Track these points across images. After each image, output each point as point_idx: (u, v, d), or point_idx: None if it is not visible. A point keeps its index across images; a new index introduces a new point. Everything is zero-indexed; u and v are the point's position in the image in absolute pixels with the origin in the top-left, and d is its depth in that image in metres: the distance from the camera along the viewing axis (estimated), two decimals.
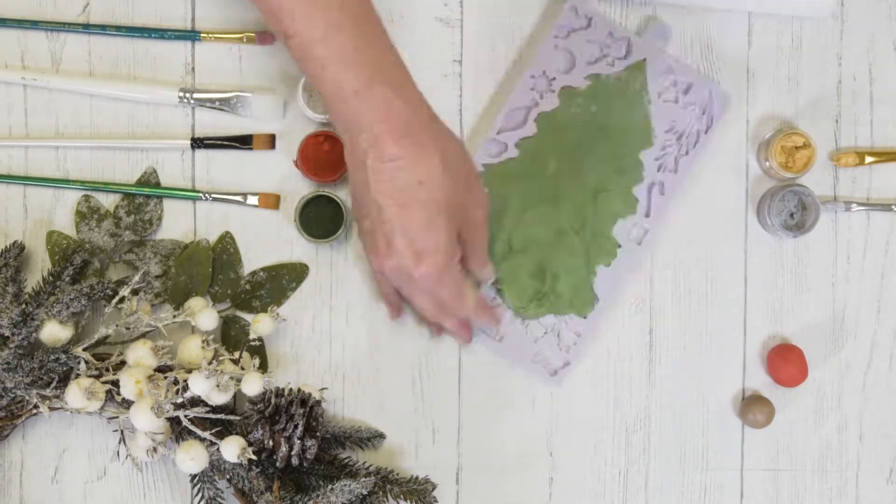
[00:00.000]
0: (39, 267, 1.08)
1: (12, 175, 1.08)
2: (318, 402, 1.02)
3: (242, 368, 1.02)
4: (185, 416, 0.99)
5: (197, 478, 1.03)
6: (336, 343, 1.08)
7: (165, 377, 1.00)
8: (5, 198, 1.08)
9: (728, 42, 1.10)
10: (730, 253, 1.10)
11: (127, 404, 1.01)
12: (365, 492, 1.01)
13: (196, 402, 0.99)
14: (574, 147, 1.07)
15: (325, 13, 0.91)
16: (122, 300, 1.03)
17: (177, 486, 1.08)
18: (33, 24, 1.07)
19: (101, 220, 1.07)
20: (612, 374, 1.10)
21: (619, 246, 1.07)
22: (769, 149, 1.07)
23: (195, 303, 1.04)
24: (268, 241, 1.08)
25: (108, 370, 1.02)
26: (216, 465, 1.02)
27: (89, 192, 1.07)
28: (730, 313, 1.10)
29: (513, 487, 1.09)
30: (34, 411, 1.03)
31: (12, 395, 1.02)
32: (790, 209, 1.08)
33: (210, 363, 0.99)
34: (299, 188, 1.08)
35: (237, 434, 1.02)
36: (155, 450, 1.00)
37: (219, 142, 1.07)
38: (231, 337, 1.07)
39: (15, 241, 1.06)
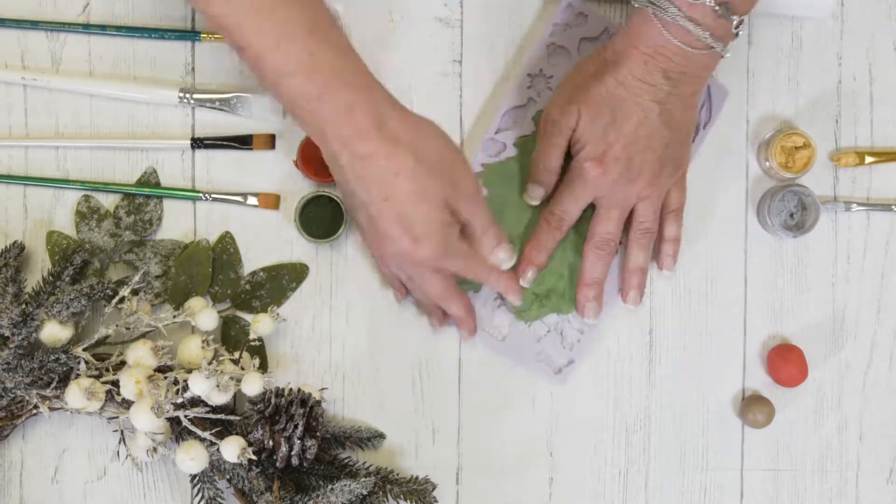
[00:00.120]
0: (39, 267, 1.08)
1: (12, 175, 1.08)
2: (318, 402, 1.02)
3: (242, 368, 1.02)
4: (185, 416, 0.99)
5: (197, 478, 1.03)
6: (336, 343, 1.09)
7: (165, 377, 1.00)
8: (5, 198, 1.08)
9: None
10: (730, 253, 1.10)
11: (127, 404, 1.01)
12: (365, 492, 1.01)
13: (196, 402, 0.99)
14: None
15: (273, 24, 0.90)
16: (122, 300, 1.03)
17: (177, 486, 1.08)
18: (33, 24, 1.07)
19: (101, 220, 1.07)
20: (612, 374, 1.10)
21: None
22: (769, 149, 1.07)
23: (195, 303, 1.04)
24: (268, 241, 1.08)
25: (108, 370, 1.02)
26: (216, 465, 1.02)
27: (89, 192, 1.07)
28: (730, 313, 1.10)
29: (513, 487, 1.09)
30: (34, 411, 1.03)
31: (12, 395, 1.02)
32: (790, 209, 1.08)
33: (210, 363, 0.99)
34: (299, 188, 1.08)
35: (237, 434, 1.02)
36: (155, 450, 1.00)
37: (219, 142, 1.08)
38: (231, 337, 1.07)
39: (15, 241, 1.06)
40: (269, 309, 1.05)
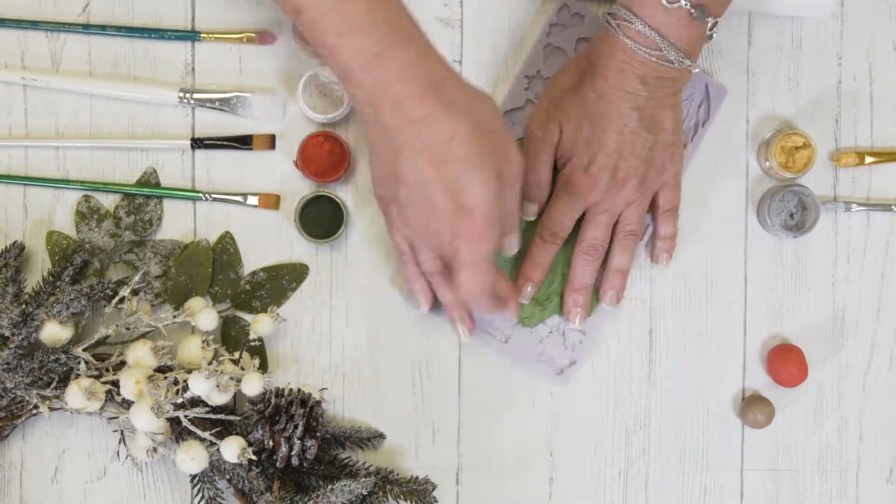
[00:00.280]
0: (39, 267, 1.08)
1: (12, 175, 1.08)
2: (318, 403, 1.02)
3: (242, 368, 1.02)
4: (185, 417, 0.99)
5: (197, 478, 1.03)
6: (336, 343, 1.09)
7: (165, 377, 1.00)
8: (5, 198, 1.08)
9: (728, 42, 1.10)
10: (730, 253, 1.10)
11: (127, 404, 1.01)
12: (365, 492, 1.01)
13: (196, 402, 0.99)
14: None
15: None
16: (122, 300, 1.03)
17: (177, 486, 1.08)
18: (33, 24, 1.07)
19: (101, 220, 1.07)
20: (612, 374, 1.10)
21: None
22: (769, 149, 1.07)
23: (195, 303, 1.04)
24: (268, 241, 1.08)
25: (108, 370, 1.03)
26: (216, 466, 1.02)
27: (89, 192, 1.07)
28: (730, 313, 1.10)
29: (513, 487, 1.09)
30: (34, 411, 1.03)
31: (12, 396, 1.02)
32: (790, 209, 1.08)
33: (210, 363, 0.99)
34: (299, 188, 1.08)
35: (237, 434, 1.02)
36: (155, 450, 1.00)
37: (219, 142, 1.08)
38: (231, 337, 1.07)
39: (15, 241, 1.06)
40: (269, 309, 1.05)
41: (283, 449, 1.00)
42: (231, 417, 1.02)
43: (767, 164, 1.08)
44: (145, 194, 1.07)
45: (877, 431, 1.11)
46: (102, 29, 1.07)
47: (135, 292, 1.04)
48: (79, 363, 1.01)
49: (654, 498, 1.10)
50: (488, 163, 0.91)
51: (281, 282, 1.08)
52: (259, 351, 1.07)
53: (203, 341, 1.02)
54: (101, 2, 1.08)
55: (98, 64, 1.08)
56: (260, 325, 1.04)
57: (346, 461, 1.05)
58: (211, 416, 1.00)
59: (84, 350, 1.02)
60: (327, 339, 1.08)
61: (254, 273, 1.08)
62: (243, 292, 1.07)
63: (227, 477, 1.03)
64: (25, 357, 1.01)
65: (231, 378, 0.99)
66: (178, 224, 1.08)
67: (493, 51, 1.09)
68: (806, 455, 1.10)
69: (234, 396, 1.02)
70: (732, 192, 1.10)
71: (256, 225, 1.08)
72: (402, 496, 1.04)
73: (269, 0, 1.08)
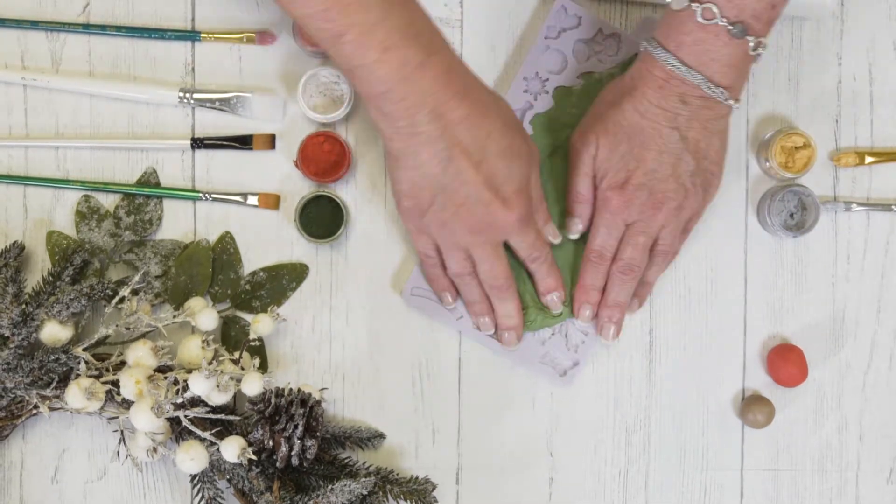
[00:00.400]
0: (39, 267, 1.08)
1: (12, 175, 1.08)
2: (318, 402, 1.02)
3: (242, 368, 1.02)
4: (185, 417, 0.99)
5: (197, 478, 1.03)
6: (336, 343, 1.09)
7: (165, 377, 1.00)
8: (5, 198, 1.08)
9: None
10: (730, 253, 1.10)
11: (127, 404, 1.01)
12: (365, 492, 1.01)
13: (196, 402, 0.99)
14: None
15: (376, 2, 0.90)
16: (122, 300, 1.03)
17: (177, 486, 1.08)
18: (33, 24, 1.07)
19: (101, 220, 1.07)
20: (612, 374, 1.10)
21: None
22: (769, 149, 1.07)
23: (195, 303, 1.04)
24: (268, 241, 1.08)
25: (108, 370, 1.03)
26: (216, 465, 1.02)
27: (89, 192, 1.07)
28: (730, 313, 1.10)
29: (513, 487, 1.09)
30: (34, 411, 1.03)
31: (12, 395, 1.02)
32: (790, 209, 1.08)
33: (210, 363, 0.99)
34: (299, 188, 1.08)
35: (237, 434, 1.02)
36: (155, 450, 1.00)
37: (219, 142, 1.08)
38: (231, 337, 1.07)
39: (15, 241, 1.06)
40: (269, 309, 1.05)
41: (283, 449, 1.00)
42: (231, 417, 1.02)
43: (767, 164, 1.08)
44: (145, 194, 1.07)
45: (877, 431, 1.11)
46: (102, 29, 1.08)
47: (135, 292, 1.04)
48: (79, 363, 1.01)
49: (654, 498, 1.10)
50: (523, 152, 0.97)
51: (281, 282, 1.08)
52: (259, 351, 1.07)
53: (203, 341, 1.02)
54: (101, 2, 1.08)
55: (98, 64, 1.08)
56: (260, 325, 1.04)
57: (346, 461, 1.05)
58: (211, 416, 1.00)
59: (84, 350, 1.02)
60: (327, 339, 1.08)
61: (254, 273, 1.08)
62: (243, 292, 1.07)
63: (227, 477, 1.03)
64: (25, 357, 1.01)
65: (231, 378, 0.99)
66: (178, 224, 1.08)
67: (493, 51, 1.09)
68: (806, 455, 1.10)
69: (234, 396, 1.02)
70: (732, 192, 1.10)
71: (256, 225, 1.08)
72: (402, 496, 1.04)
73: (269, 0, 1.08)
